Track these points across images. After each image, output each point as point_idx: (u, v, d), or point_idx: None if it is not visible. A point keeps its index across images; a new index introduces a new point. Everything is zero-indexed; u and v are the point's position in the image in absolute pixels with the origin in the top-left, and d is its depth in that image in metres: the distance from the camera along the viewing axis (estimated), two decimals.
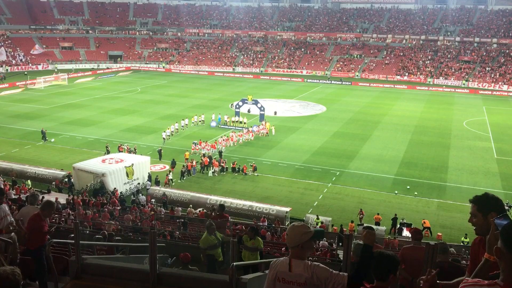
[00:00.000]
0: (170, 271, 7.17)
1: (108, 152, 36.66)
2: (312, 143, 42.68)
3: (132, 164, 31.09)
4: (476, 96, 73.68)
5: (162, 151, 37.86)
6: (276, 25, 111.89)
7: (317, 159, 38.29)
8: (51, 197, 26.37)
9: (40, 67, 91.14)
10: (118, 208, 25.50)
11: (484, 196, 4.00)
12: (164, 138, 42.50)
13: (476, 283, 2.72)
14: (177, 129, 45.88)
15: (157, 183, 31.85)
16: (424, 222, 26.20)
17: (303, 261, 4.20)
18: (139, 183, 31.48)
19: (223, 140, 41.19)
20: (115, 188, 29.25)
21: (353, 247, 6.03)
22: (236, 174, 34.69)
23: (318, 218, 25.88)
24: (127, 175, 30.58)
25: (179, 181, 33.47)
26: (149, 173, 32.62)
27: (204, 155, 36.25)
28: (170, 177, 32.69)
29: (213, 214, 15.90)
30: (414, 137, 46.08)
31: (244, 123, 47.26)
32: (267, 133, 45.34)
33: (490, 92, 76.76)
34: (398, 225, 26.34)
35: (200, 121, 49.30)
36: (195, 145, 39.58)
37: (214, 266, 10.76)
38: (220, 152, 38.24)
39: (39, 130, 42.66)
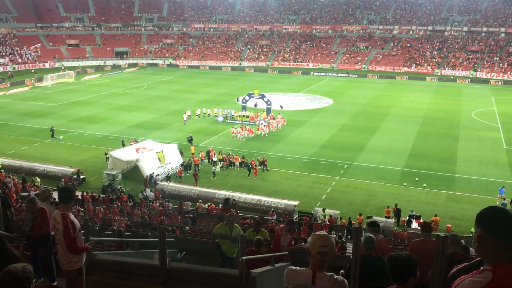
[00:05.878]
0: (180, 266, 7.19)
1: (123, 146, 37.27)
2: (319, 137, 42.55)
3: (162, 150, 33.79)
4: (485, 86, 73.00)
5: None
6: (281, 19, 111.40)
7: (324, 152, 38.18)
8: None
9: (47, 65, 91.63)
10: (130, 204, 25.64)
11: None
12: (185, 121, 46.42)
13: (468, 277, 2.67)
14: (198, 114, 49.07)
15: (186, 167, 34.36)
16: (433, 221, 24.69)
17: (327, 273, 3.94)
18: (171, 168, 33.76)
19: (264, 126, 43.48)
20: (153, 173, 31.55)
21: (363, 239, 6.00)
22: (244, 168, 34.61)
23: (324, 211, 25.79)
24: (159, 160, 33.03)
25: (187, 174, 33.73)
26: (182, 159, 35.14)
27: (208, 151, 36.21)
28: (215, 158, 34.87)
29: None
30: (422, 128, 45.77)
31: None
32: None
33: (498, 82, 76.06)
34: (407, 217, 26.15)
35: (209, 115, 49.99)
36: (235, 129, 42.27)
37: (225, 262, 10.64)
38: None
39: (48, 128, 42.88)
